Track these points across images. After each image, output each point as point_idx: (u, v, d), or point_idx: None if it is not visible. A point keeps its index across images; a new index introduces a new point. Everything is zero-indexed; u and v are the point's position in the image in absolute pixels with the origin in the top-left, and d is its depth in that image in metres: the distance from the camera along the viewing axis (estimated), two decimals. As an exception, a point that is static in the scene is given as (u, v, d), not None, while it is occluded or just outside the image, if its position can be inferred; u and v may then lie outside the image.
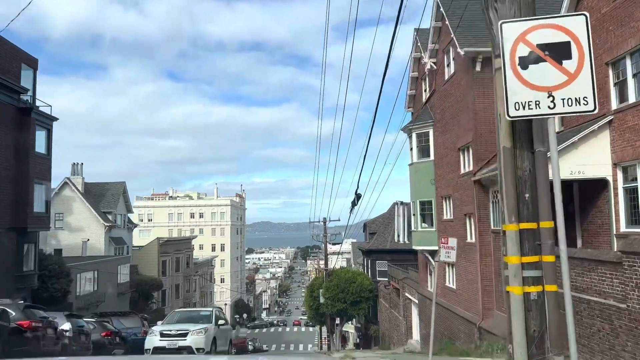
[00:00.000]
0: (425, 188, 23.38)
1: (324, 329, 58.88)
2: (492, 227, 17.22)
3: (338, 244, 44.51)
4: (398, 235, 45.71)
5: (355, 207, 17.21)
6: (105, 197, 46.98)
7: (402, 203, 46.91)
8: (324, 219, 42.54)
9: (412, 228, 24.79)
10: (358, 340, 52.31)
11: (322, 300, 41.57)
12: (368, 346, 47.31)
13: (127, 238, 49.44)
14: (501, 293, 16.05)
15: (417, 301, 27.42)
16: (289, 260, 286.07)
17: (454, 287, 20.62)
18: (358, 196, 16.30)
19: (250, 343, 57.29)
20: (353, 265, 57.79)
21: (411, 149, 24.18)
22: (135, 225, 51.42)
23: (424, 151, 23.55)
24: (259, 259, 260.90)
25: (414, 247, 24.42)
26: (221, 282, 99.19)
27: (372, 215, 47.71)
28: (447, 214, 21.73)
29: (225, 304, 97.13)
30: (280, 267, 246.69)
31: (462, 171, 19.37)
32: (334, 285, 40.98)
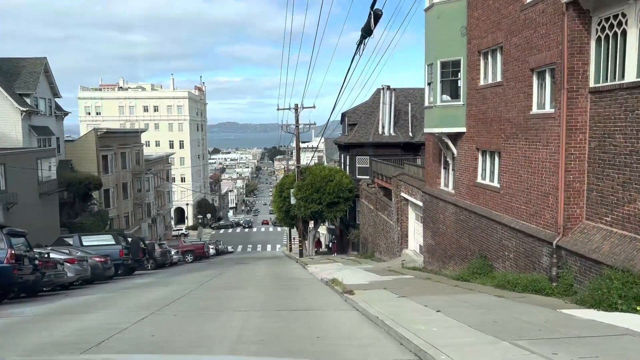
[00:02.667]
0: (451, 41, 15.78)
1: (294, 230, 53.73)
2: (593, 85, 10.09)
3: (307, 141, 37.17)
4: (383, 127, 38.75)
5: (367, 39, 9.58)
6: (20, 76, 37.44)
7: (388, 88, 39.35)
8: (296, 105, 34.80)
9: (427, 104, 17.53)
10: (330, 244, 47.20)
11: (293, 201, 35.15)
12: (343, 251, 42.20)
13: (56, 128, 40.74)
14: (608, 191, 9.23)
15: (419, 203, 20.98)
16: (255, 161, 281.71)
17: (496, 184, 13.90)
18: (376, 17, 8.62)
19: (212, 246, 51.66)
20: (326, 163, 51.30)
21: (430, -17, 16.24)
22: (66, 113, 42.60)
23: (450, -14, 15.65)
24: (225, 159, 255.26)
25: (428, 130, 17.34)
26: (182, 182, 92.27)
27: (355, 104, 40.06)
28: (488, 77, 14.42)
29: (187, 204, 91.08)
30: (247, 168, 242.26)
31: (531, -2, 11.79)
32: (307, 184, 34.35)
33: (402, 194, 23.47)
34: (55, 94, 41.11)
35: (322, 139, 59.71)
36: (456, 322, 7.42)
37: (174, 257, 33.87)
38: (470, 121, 15.45)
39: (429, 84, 17.23)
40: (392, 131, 38.07)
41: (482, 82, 14.81)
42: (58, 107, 41.99)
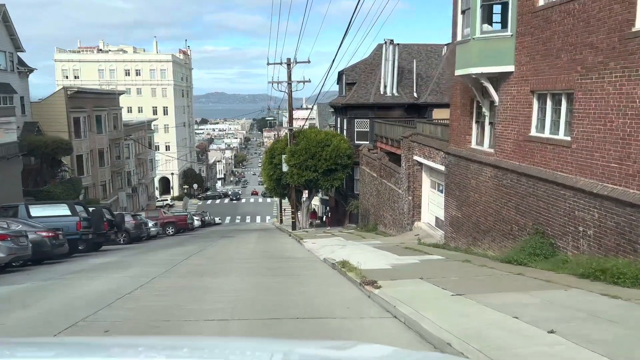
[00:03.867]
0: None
1: (286, 201, 50.15)
2: None
3: (298, 108, 33.35)
4: (385, 86, 34.88)
5: None
6: (-27, 24, 32.85)
7: (391, 42, 35.32)
8: (289, 59, 30.77)
9: (459, 37, 13.82)
10: (325, 216, 43.80)
11: (285, 168, 31.55)
12: (339, 223, 38.86)
13: (20, 86, 36.34)
14: None
15: (439, 167, 17.45)
16: (244, 132, 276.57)
17: (565, 136, 10.37)
18: None
19: (197, 218, 48.11)
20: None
21: None
22: (31, 70, 38.08)
23: None
24: (214, 130, 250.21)
25: (462, 72, 13.62)
26: (166, 150, 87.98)
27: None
28: (555, -8, 10.70)
29: (172, 174, 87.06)
30: (236, 138, 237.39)
31: None
32: (301, 149, 30.71)
33: (415, 157, 19.92)
34: (18, 47, 36.55)
35: (315, 107, 55.35)
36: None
37: (152, 229, 30.27)
38: (522, 56, 11.78)
39: (463, 11, 13.45)
40: (395, 91, 34.26)
41: (542, 1, 11.09)
42: (22, 63, 37.47)
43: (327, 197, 47.27)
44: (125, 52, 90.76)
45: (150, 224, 30.24)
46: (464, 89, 14.93)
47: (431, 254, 13.09)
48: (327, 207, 42.35)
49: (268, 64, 30.74)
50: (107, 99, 48.76)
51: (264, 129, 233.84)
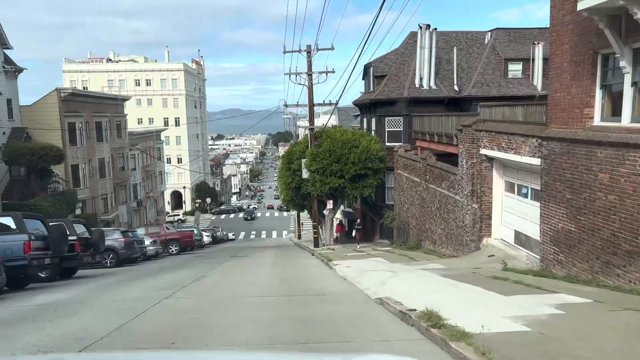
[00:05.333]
0: None
1: (304, 214, 45.08)
2: None
3: (328, 104, 28.75)
4: (421, 78, 30.00)
5: None
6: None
7: (427, 27, 30.51)
8: (309, 46, 26.13)
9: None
10: (354, 230, 38.37)
11: (305, 174, 26.79)
12: (368, 239, 33.80)
13: (6, 87, 32.30)
14: None
15: (531, 161, 12.36)
16: (260, 147, 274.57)
17: None
18: None
19: (207, 234, 43.49)
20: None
21: None
22: (20, 69, 34.06)
23: None
24: (229, 145, 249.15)
25: (591, 3, 8.64)
26: (178, 163, 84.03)
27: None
28: None
29: (184, 187, 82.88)
30: (252, 153, 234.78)
31: None
32: (324, 152, 25.96)
33: (484, 152, 14.91)
34: (4, 43, 32.60)
35: (334, 115, 50.16)
36: None
37: (150, 248, 25.61)
38: None
39: None
40: (432, 83, 29.36)
41: None
42: (8, 61, 33.49)
43: (350, 210, 42.23)
44: (135, 62, 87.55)
45: (147, 242, 25.60)
46: (579, 40, 9.97)
47: (555, 290, 8.05)
48: (358, 221, 37.09)
49: (285, 52, 26.11)
50: (109, 105, 44.67)
51: (279, 144, 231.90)
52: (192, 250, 34.04)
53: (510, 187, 14.46)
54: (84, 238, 16.19)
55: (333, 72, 26.17)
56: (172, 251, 30.11)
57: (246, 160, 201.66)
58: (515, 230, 14.11)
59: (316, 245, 27.72)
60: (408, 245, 22.28)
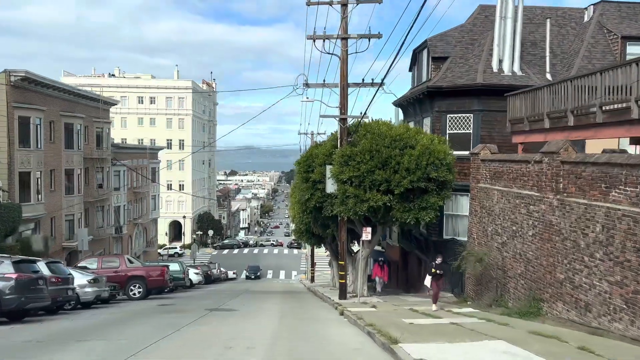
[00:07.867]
0: None
1: (321, 250, 35.39)
2: None
3: (371, 84, 19.44)
4: (500, 61, 21.13)
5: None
6: None
7: (508, -8, 21.96)
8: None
9: None
10: (434, 280, 28.25)
11: (330, 188, 17.84)
12: (411, 287, 24.23)
13: None
14: None
15: None
16: (272, 183, 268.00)
17: None
18: None
19: (196, 271, 34.13)
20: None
21: None
22: None
23: None
24: (242, 180, 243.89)
25: None
26: (180, 189, 75.50)
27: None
28: None
29: (184, 217, 73.85)
30: (264, 189, 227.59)
31: None
32: (361, 152, 17.02)
33: None
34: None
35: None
36: None
37: (87, 290, 16.44)
38: None
39: None
40: (516, 68, 20.46)
41: None
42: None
43: (379, 248, 32.23)
44: (140, 79, 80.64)
45: (82, 281, 16.45)
46: None
47: None
48: (384, 261, 27.31)
49: (309, 3, 17.48)
50: (87, 106, 36.40)
51: (292, 181, 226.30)
52: (167, 292, 24.77)
53: None
54: None
55: (380, 36, 17.42)
56: (134, 294, 20.84)
57: (257, 195, 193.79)
58: None
59: (343, 295, 18.29)
60: (508, 307, 12.82)
